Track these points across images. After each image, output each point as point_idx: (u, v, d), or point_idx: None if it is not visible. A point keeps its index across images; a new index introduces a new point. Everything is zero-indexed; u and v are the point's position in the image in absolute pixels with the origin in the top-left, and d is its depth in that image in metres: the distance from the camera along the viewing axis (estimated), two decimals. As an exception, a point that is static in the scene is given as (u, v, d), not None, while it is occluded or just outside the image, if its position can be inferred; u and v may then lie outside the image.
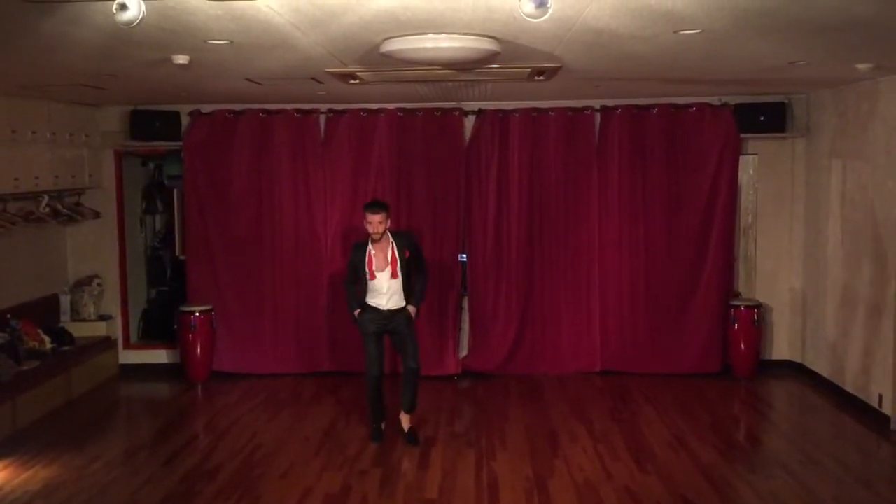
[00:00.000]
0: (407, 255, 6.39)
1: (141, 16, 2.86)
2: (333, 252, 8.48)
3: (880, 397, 6.80)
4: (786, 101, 8.27)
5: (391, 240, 6.38)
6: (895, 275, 6.59)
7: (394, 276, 6.34)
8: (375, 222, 6.27)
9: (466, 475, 5.81)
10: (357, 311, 6.45)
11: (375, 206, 6.40)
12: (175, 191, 9.05)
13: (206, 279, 8.52)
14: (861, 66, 5.87)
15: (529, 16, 3.01)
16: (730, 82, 7.03)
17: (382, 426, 6.57)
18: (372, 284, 6.37)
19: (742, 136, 8.27)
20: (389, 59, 4.82)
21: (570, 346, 8.54)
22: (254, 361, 8.55)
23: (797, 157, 8.41)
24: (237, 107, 8.40)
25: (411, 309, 6.44)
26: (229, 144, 8.43)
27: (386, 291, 6.37)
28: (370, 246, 6.36)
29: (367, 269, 6.35)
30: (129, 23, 2.87)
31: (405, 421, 6.56)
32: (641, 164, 8.35)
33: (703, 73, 6.24)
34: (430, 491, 5.54)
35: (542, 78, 6.26)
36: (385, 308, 6.39)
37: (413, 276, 6.49)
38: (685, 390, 7.87)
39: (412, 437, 6.47)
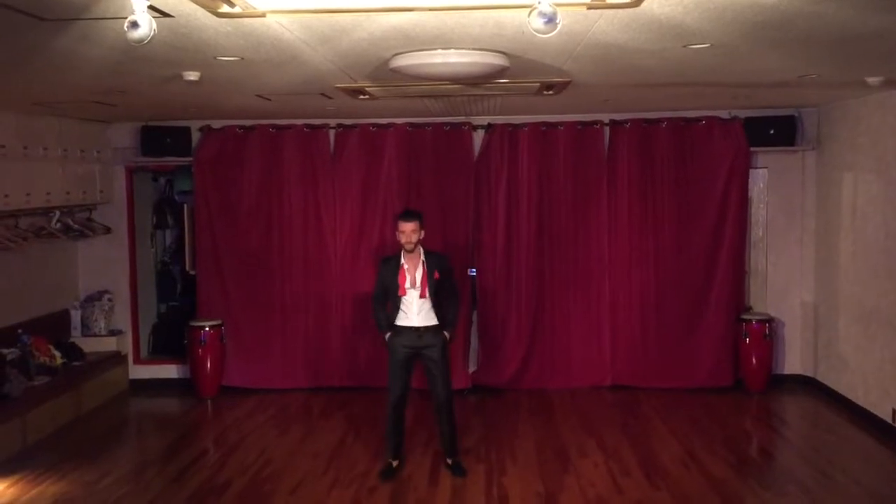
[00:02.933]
0: (437, 276, 6.04)
1: (152, 33, 2.86)
2: (343, 266, 8.49)
3: (894, 412, 6.74)
4: (796, 114, 8.25)
5: (422, 258, 6.06)
6: (908, 288, 6.56)
7: (422, 295, 6.00)
8: (408, 231, 5.96)
9: (476, 491, 5.78)
10: (388, 335, 6.09)
11: (408, 214, 6.13)
12: (185, 206, 9.09)
13: (216, 294, 8.54)
14: (871, 80, 5.85)
15: (539, 31, 2.99)
16: (739, 91, 7.01)
17: (395, 464, 6.15)
18: (402, 301, 6.03)
19: (752, 149, 8.25)
20: (399, 74, 4.83)
21: (581, 361, 8.51)
22: (263, 376, 8.55)
23: (808, 170, 8.38)
24: (247, 122, 8.44)
25: (446, 334, 6.12)
26: (239, 160, 8.46)
27: (416, 311, 6.02)
28: (402, 259, 6.05)
29: (397, 283, 6.01)
30: (140, 40, 2.87)
31: (449, 458, 6.21)
32: (651, 178, 8.34)
33: (712, 85, 6.24)
34: (440, 507, 5.52)
35: (551, 92, 6.27)
36: (418, 325, 6.03)
37: (444, 299, 6.15)
38: (696, 405, 7.82)
39: (457, 468, 6.13)
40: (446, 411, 6.16)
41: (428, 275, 6.04)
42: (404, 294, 6.03)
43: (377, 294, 6.23)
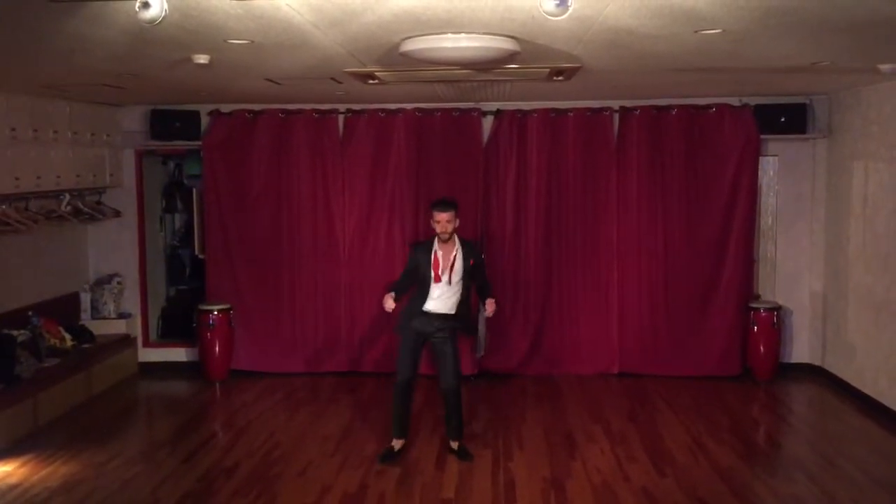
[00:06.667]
0: (472, 263, 5.98)
1: (163, 14, 2.88)
2: (351, 251, 8.51)
3: (902, 401, 6.74)
4: (807, 101, 8.20)
5: (458, 244, 5.97)
6: (918, 277, 6.53)
7: (450, 283, 5.95)
8: (444, 221, 5.85)
9: (483, 475, 5.80)
10: (391, 301, 5.87)
11: (444, 203, 5.95)
12: (195, 190, 9.10)
13: (224, 278, 8.57)
14: (883, 67, 5.81)
15: (550, 14, 3.00)
16: (750, 78, 6.96)
17: (397, 447, 6.15)
18: (433, 288, 5.94)
19: (762, 137, 8.21)
20: (408, 58, 4.83)
21: (588, 348, 8.51)
22: (272, 360, 8.58)
23: (818, 158, 8.33)
24: (256, 107, 8.44)
25: (490, 301, 5.98)
26: (248, 144, 8.47)
27: (437, 296, 5.96)
28: (436, 246, 5.95)
29: (430, 271, 5.92)
30: (151, 21, 2.89)
31: (454, 442, 6.24)
32: (660, 165, 8.31)
33: (723, 71, 6.20)
34: (447, 490, 5.54)
35: (561, 78, 6.24)
36: (433, 311, 5.99)
37: (472, 286, 6.12)
38: (704, 393, 7.82)
39: (463, 452, 6.14)
40: (453, 397, 6.16)
41: (464, 263, 5.96)
42: (438, 282, 5.94)
43: (404, 275, 6.13)
